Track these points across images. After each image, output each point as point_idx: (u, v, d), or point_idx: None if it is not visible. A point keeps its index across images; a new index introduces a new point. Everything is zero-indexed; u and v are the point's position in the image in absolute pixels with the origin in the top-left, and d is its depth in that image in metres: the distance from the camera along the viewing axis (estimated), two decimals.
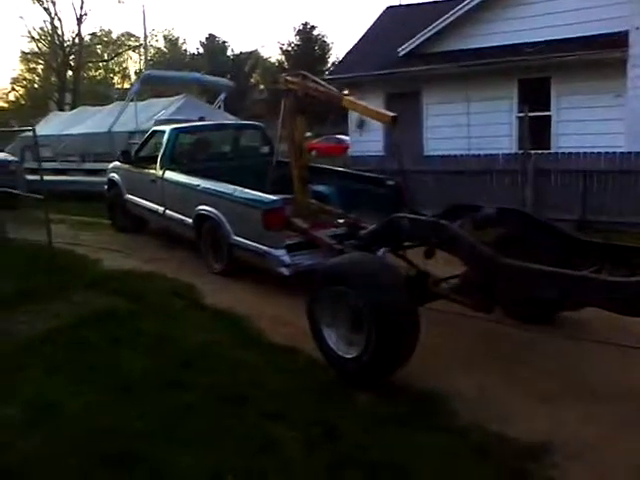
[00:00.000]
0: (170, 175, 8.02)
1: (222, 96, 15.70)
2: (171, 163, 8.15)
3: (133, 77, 46.74)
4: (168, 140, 8.27)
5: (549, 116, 12.03)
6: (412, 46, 13.48)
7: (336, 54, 43.14)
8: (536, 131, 11.30)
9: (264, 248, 6.27)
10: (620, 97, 10.89)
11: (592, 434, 3.51)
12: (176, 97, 15.61)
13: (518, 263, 3.88)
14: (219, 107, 15.65)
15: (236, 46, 78.08)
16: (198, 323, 5.46)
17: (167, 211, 8.15)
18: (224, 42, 47.09)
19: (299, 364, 4.51)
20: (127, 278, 6.80)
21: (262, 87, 47.83)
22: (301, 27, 44.11)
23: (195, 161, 8.48)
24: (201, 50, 47.76)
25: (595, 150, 9.63)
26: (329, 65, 40.78)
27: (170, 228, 8.41)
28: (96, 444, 3.35)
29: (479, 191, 9.98)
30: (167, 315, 5.63)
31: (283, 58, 44.98)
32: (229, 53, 46.64)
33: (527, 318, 5.11)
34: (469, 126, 12.59)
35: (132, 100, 13.92)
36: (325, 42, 44.69)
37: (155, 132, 8.99)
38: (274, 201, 6.24)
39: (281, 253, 6.18)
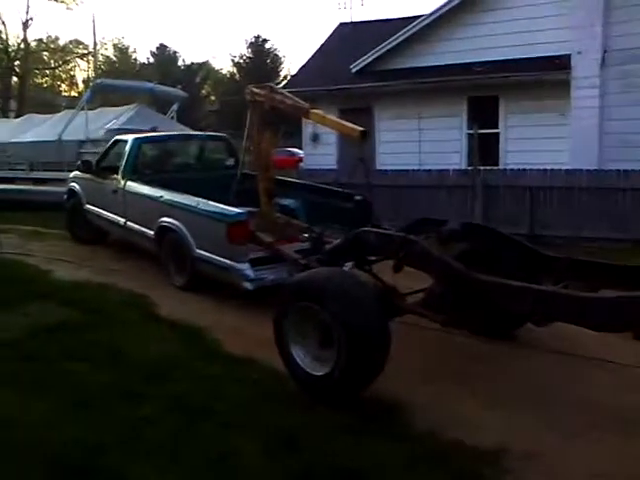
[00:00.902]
0: (132, 186, 7.84)
1: (175, 106, 15.60)
2: (133, 173, 8.00)
3: (81, 85, 45.88)
4: (131, 150, 8.11)
5: (497, 133, 12.43)
6: (365, 63, 13.72)
7: (288, 68, 43.43)
8: (485, 148, 11.64)
9: (227, 262, 6.16)
10: (564, 116, 11.33)
11: (546, 440, 3.62)
12: (128, 106, 15.42)
13: (491, 279, 3.87)
14: (172, 117, 15.54)
15: (187, 56, 77.48)
16: (155, 335, 5.38)
17: (128, 222, 7.95)
18: (175, 52, 46.80)
19: (258, 374, 4.50)
20: (80, 289, 6.64)
21: (213, 98, 47.63)
22: (253, 40, 44.22)
23: (158, 172, 8.36)
24: (152, 60, 47.28)
25: (541, 167, 10.00)
26: (281, 78, 40.92)
27: (131, 240, 8.21)
28: (52, 458, 3.27)
29: (430, 205, 10.20)
30: (122, 327, 5.52)
31: (235, 70, 44.93)
32: (180, 63, 46.33)
33: (488, 333, 5.12)
34: (420, 142, 12.87)
35: (83, 109, 13.69)
36: (277, 55, 44.95)
37: (117, 141, 8.78)
38: (238, 214, 6.14)
39: (245, 267, 6.07)
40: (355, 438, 3.60)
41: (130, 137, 8.45)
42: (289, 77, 22.43)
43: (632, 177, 9.22)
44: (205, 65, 48.36)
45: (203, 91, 47.73)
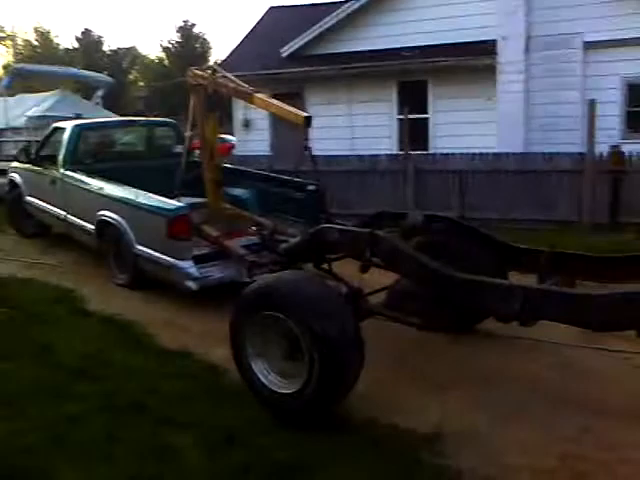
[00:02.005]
0: (71, 176, 7.35)
1: (100, 92, 15.14)
2: (72, 163, 7.50)
3: (0, 71, 43.77)
4: (70, 138, 7.59)
5: (427, 118, 12.60)
6: (295, 47, 13.63)
7: (217, 53, 42.75)
8: (415, 132, 11.79)
9: (169, 259, 5.76)
10: (490, 101, 11.59)
11: (482, 422, 3.68)
12: (50, 92, 14.82)
13: (476, 278, 3.55)
14: (97, 103, 15.05)
15: (113, 42, 75.11)
16: (84, 331, 5.22)
17: (68, 216, 7.50)
18: (100, 37, 45.23)
19: (193, 368, 4.44)
20: (4, 284, 6.39)
21: (142, 84, 46.40)
22: (181, 24, 43.29)
23: (100, 161, 7.82)
24: (77, 45, 45.56)
25: (470, 151, 10.21)
26: (211, 63, 40.25)
27: (72, 235, 7.74)
28: None
29: (362, 191, 10.28)
30: (50, 323, 5.35)
31: (163, 55, 43.90)
32: (106, 48, 44.86)
33: (452, 329, 4.83)
34: (352, 127, 12.92)
35: (1, 95, 13.08)
36: (206, 40, 44.16)
37: (56, 129, 8.20)
38: (178, 208, 5.78)
39: (188, 265, 5.67)
40: (294, 431, 3.58)
41: (70, 124, 7.95)
42: (219, 62, 22.05)
43: (556, 160, 9.53)
44: (132, 50, 47.00)
45: (131, 76, 46.40)
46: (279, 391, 3.68)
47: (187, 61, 39.09)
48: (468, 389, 4.16)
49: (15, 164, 9.13)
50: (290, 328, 3.53)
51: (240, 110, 14.07)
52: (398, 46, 12.43)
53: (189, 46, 42.42)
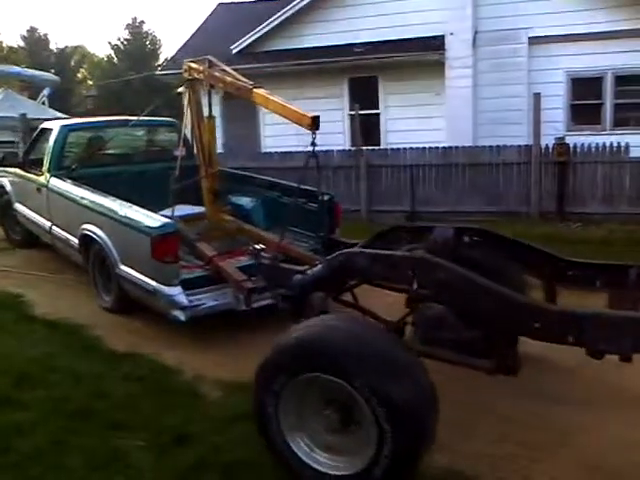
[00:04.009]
0: (56, 183, 6.56)
1: (46, 91, 14.80)
2: (59, 168, 6.71)
3: None
4: (56, 140, 6.82)
5: (378, 114, 12.68)
6: (245, 43, 13.54)
7: (168, 50, 42.19)
8: (367, 128, 11.88)
9: (154, 284, 4.93)
10: (439, 96, 11.74)
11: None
12: None
13: (576, 310, 2.77)
14: (43, 103, 14.70)
15: (60, 40, 73.39)
16: (30, 335, 5.08)
17: (54, 227, 6.75)
18: (46, 35, 44.11)
19: (143, 371, 4.36)
20: None
21: (91, 83, 45.47)
22: (130, 22, 42.53)
23: (90, 166, 6.84)
24: (22, 44, 44.34)
25: (421, 145, 10.34)
26: (161, 61, 39.67)
27: (57, 248, 6.99)
28: None
29: (317, 186, 10.28)
30: None
31: (112, 53, 43.09)
32: (52, 47, 43.79)
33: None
34: None
35: None
36: (156, 37, 43.47)
37: (43, 130, 7.46)
38: (164, 225, 4.90)
39: (175, 292, 4.82)
40: (248, 426, 3.56)
41: (57, 124, 7.23)
42: (169, 59, 21.75)
43: (503, 152, 9.74)
44: (79, 49, 46.01)
45: (79, 75, 45.42)
46: (331, 472, 2.90)
47: (137, 59, 38.64)
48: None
49: (3, 168, 8.39)
50: (345, 393, 2.74)
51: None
52: (348, 42, 12.48)
53: (138, 44, 41.67)
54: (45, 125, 7.64)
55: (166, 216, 5.15)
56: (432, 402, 2.75)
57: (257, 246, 4.62)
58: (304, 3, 12.95)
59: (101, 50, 54.07)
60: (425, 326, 3.42)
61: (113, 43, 42.44)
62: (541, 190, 9.48)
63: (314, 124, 4.49)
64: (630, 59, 11.02)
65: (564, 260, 3.73)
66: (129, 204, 5.37)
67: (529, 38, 11.59)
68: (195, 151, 6.24)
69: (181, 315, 4.79)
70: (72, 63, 43.70)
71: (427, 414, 2.71)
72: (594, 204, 9.31)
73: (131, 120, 7.42)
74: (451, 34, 11.46)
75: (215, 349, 4.78)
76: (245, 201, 6.55)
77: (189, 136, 6.81)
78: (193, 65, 5.67)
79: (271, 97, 4.99)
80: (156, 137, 8.20)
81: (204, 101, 5.92)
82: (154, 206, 5.47)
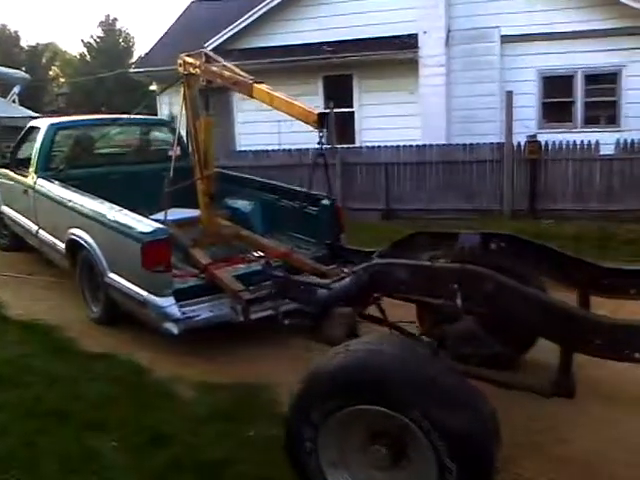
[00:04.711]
0: (43, 185, 6.24)
1: (16, 89, 14.55)
2: (46, 169, 6.40)
3: None
4: (44, 139, 6.49)
5: (353, 112, 12.73)
6: (218, 42, 13.47)
7: (141, 48, 41.83)
8: (342, 126, 11.91)
9: (144, 294, 4.58)
10: (413, 94, 11.82)
11: None
12: None
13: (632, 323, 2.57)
14: (13, 101, 14.47)
15: (31, 37, 72.34)
16: (3, 337, 5.05)
17: (40, 231, 6.44)
18: (16, 32, 43.45)
19: (118, 372, 4.35)
20: None
21: (63, 80, 44.87)
22: (103, 19, 42.12)
23: (80, 167, 6.54)
24: None
25: (395, 143, 10.42)
26: (135, 59, 39.34)
27: (44, 252, 6.62)
28: None
29: (291, 184, 10.28)
30: None
31: (85, 51, 42.60)
32: (23, 44, 43.14)
33: None
34: (279, 122, 12.88)
35: None
36: (129, 35, 43.10)
37: (32, 128, 7.10)
38: (156, 231, 4.54)
39: (167, 303, 4.46)
40: (223, 425, 3.59)
41: (45, 122, 6.88)
42: (142, 56, 21.60)
43: (477, 150, 9.86)
44: (51, 46, 45.38)
45: (51, 73, 44.81)
46: None
47: (110, 57, 38.22)
48: None
49: None
50: (397, 425, 2.46)
51: (165, 105, 13.81)
52: (323, 40, 12.50)
53: (111, 41, 41.31)
54: (33, 123, 7.35)
55: (158, 220, 4.88)
56: (496, 431, 2.46)
57: (256, 254, 4.54)
58: (278, 1, 12.94)
59: (73, 48, 53.50)
60: (457, 341, 3.09)
61: (86, 41, 42.06)
62: (513, 187, 9.61)
63: (321, 121, 4.25)
64: (599, 58, 11.22)
65: (598, 266, 3.49)
66: (119, 207, 5.08)
67: (501, 37, 11.70)
68: (190, 151, 5.94)
69: (174, 328, 4.43)
70: (43, 61, 43.14)
71: (492, 445, 2.42)
72: (565, 201, 9.47)
73: (122, 118, 7.15)
74: (424, 33, 11.54)
75: (187, 350, 4.75)
76: (242, 204, 6.27)
77: (184, 135, 6.61)
78: (188, 59, 5.38)
79: (274, 93, 4.67)
80: (149, 136, 7.87)
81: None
82: (146, 210, 5.26)
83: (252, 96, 4.79)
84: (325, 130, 4.16)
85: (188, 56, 5.43)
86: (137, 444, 3.38)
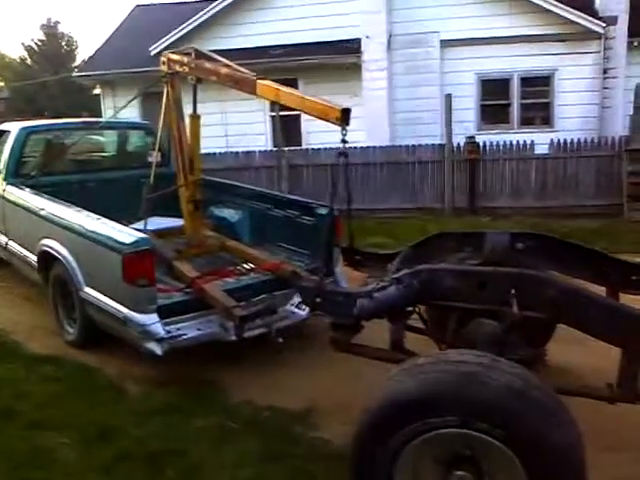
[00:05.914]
0: (12, 192, 5.80)
1: None
2: (17, 176, 5.94)
3: None
4: (14, 144, 6.02)
5: (299, 115, 12.88)
6: (163, 45, 13.41)
7: (84, 52, 41.09)
8: (289, 129, 12.08)
9: (124, 311, 4.13)
10: (356, 97, 12.07)
11: (345, 395, 3.84)
12: None
13: None
14: None
15: None
16: None
17: (10, 242, 5.98)
18: None
19: (65, 371, 4.38)
20: None
21: (2, 84, 43.69)
22: (45, 22, 41.19)
23: (53, 173, 6.13)
24: None
25: (340, 145, 10.58)
26: (78, 62, 38.62)
27: (15, 266, 6.13)
28: None
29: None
30: None
31: (26, 54, 41.58)
32: None
33: None
34: (226, 125, 12.98)
35: None
36: (72, 38, 42.26)
37: (1, 132, 6.57)
38: (138, 241, 4.11)
39: (150, 320, 4.04)
40: (171, 418, 3.68)
41: (15, 126, 6.41)
42: (86, 60, 21.29)
43: (418, 151, 10.19)
44: None
45: None
46: None
47: (52, 60, 37.42)
48: (333, 367, 4.03)
49: None
50: (483, 448, 2.28)
51: (110, 109, 13.70)
52: (269, 44, 12.64)
53: (54, 45, 40.43)
54: (2, 127, 6.80)
55: (138, 230, 4.54)
56: (584, 448, 2.25)
57: (246, 266, 4.27)
58: (223, 5, 13.03)
59: (13, 51, 52.06)
60: (492, 346, 2.85)
61: (27, 44, 41.04)
62: (454, 186, 9.96)
63: (344, 118, 3.79)
64: (534, 62, 11.71)
65: (626, 263, 3.39)
66: (96, 216, 4.65)
67: (440, 41, 12.08)
68: (174, 156, 5.43)
69: (157, 348, 3.99)
70: None
71: (584, 465, 2.23)
72: (503, 198, 9.87)
73: (99, 122, 6.76)
74: (367, 37, 11.80)
75: (133, 349, 4.76)
76: (228, 213, 5.90)
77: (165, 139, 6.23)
78: (174, 57, 4.96)
79: (282, 88, 4.23)
80: (128, 141, 7.39)
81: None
82: (124, 219, 4.98)
83: (255, 94, 4.36)
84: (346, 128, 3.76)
85: (173, 53, 5.08)
86: (85, 439, 3.45)
